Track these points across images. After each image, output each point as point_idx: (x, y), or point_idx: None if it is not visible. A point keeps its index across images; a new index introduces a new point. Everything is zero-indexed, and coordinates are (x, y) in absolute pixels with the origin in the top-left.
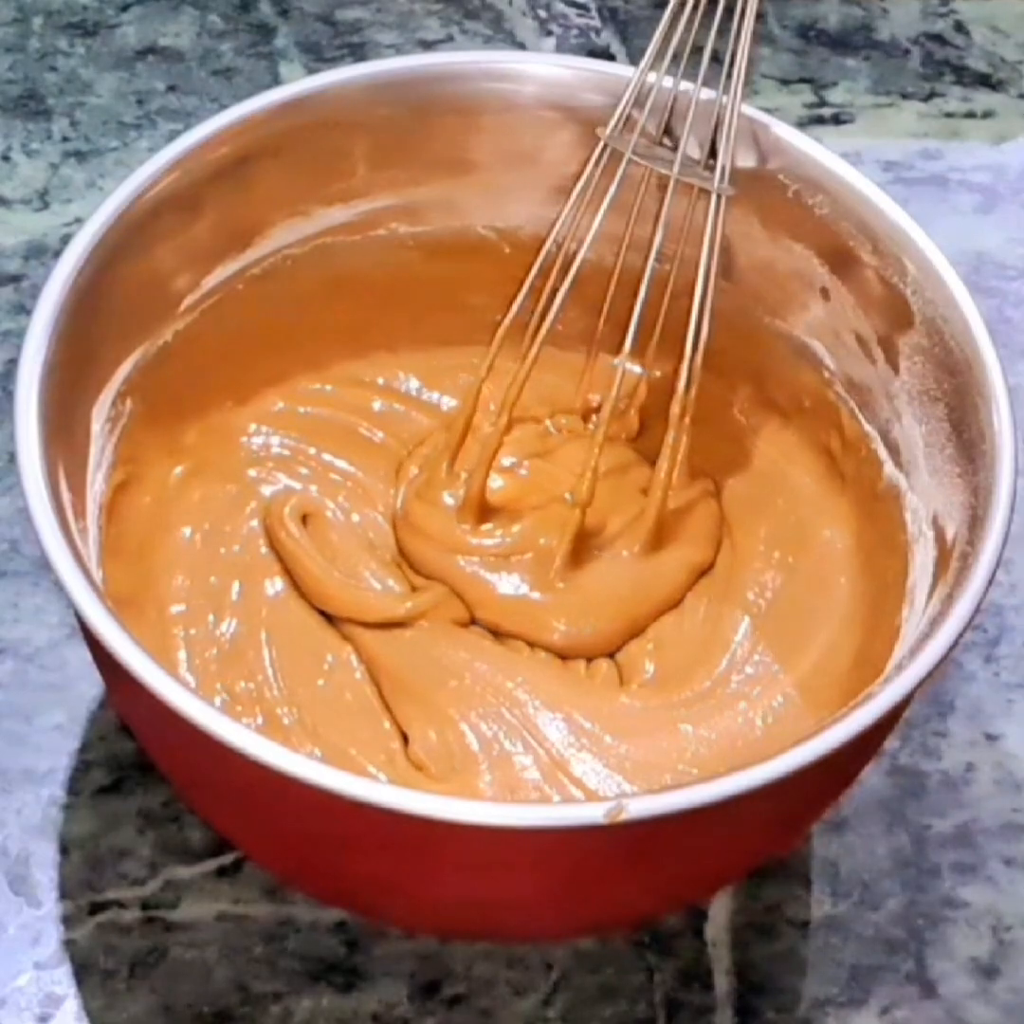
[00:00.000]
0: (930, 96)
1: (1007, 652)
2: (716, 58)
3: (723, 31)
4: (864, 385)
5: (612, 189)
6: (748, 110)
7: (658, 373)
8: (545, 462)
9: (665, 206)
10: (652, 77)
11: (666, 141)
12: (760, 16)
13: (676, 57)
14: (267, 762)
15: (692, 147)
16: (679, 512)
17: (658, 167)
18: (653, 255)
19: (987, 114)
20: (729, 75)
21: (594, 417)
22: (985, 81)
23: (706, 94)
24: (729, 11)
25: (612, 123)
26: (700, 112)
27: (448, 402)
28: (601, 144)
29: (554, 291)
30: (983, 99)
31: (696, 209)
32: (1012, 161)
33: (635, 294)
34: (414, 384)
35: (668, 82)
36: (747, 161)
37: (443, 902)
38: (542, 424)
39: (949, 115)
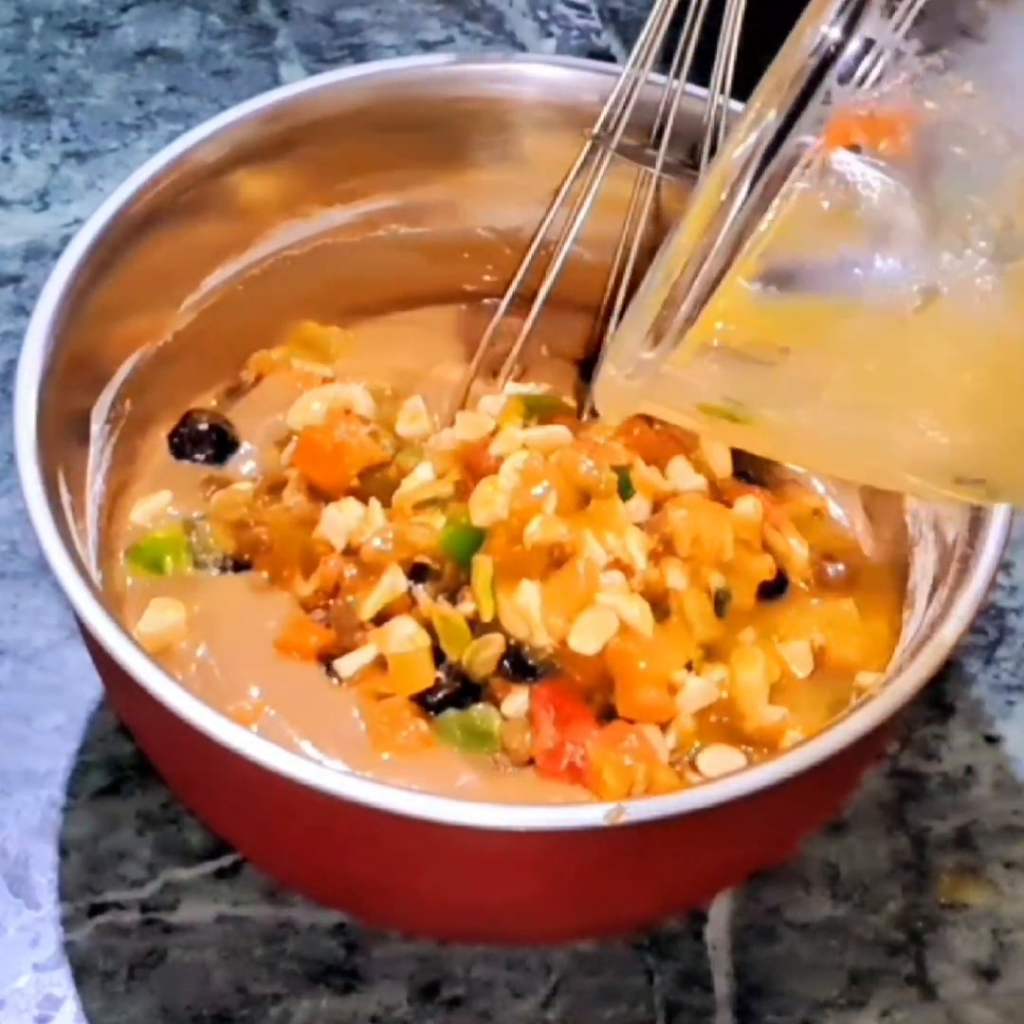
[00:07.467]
0: None
1: (1007, 654)
2: (710, 57)
3: (716, 30)
4: None
5: (595, 187)
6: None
7: None
8: None
9: (646, 203)
10: (645, 77)
11: (658, 141)
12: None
13: (668, 56)
14: (265, 763)
15: (681, 146)
16: None
17: (643, 164)
18: (634, 251)
19: None
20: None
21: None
22: None
23: (698, 93)
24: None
25: (599, 122)
26: (694, 112)
27: (453, 372)
28: (588, 143)
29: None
30: None
31: None
32: None
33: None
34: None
35: (660, 81)
36: None
37: (442, 904)
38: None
39: None
